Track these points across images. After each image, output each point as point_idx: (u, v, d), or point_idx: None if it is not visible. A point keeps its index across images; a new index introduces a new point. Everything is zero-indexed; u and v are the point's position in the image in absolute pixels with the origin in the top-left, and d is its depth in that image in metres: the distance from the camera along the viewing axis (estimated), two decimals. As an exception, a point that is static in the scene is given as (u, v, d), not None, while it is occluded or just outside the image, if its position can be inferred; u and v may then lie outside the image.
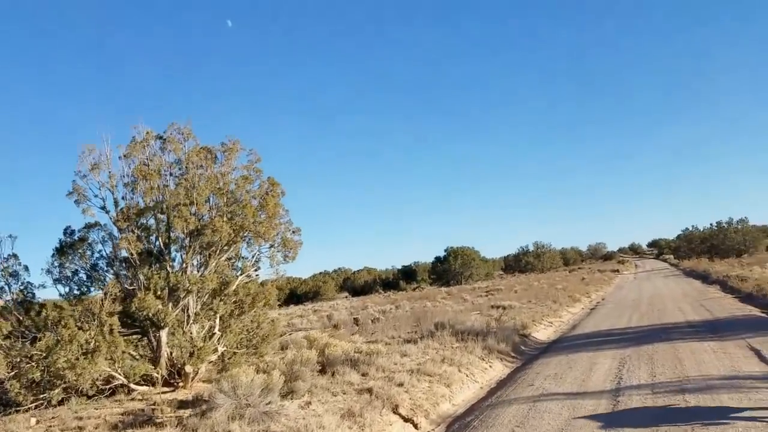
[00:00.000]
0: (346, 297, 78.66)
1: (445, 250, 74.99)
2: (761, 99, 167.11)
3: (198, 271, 10.84)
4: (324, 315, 27.56)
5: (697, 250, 69.19)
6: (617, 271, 69.72)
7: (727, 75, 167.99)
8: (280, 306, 69.98)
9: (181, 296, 10.38)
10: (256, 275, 12.10)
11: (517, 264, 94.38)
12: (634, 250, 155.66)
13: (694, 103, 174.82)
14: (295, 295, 71.70)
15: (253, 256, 11.61)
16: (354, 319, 21.55)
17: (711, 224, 70.43)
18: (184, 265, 10.63)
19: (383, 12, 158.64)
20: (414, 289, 67.76)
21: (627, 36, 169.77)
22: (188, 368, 10.60)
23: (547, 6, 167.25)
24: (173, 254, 10.75)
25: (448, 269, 72.57)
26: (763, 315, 16.90)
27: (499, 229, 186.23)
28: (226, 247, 10.48)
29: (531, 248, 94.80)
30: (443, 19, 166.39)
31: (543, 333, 18.72)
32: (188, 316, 10.91)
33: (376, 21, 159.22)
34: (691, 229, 75.16)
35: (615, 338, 14.97)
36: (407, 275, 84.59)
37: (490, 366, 13.11)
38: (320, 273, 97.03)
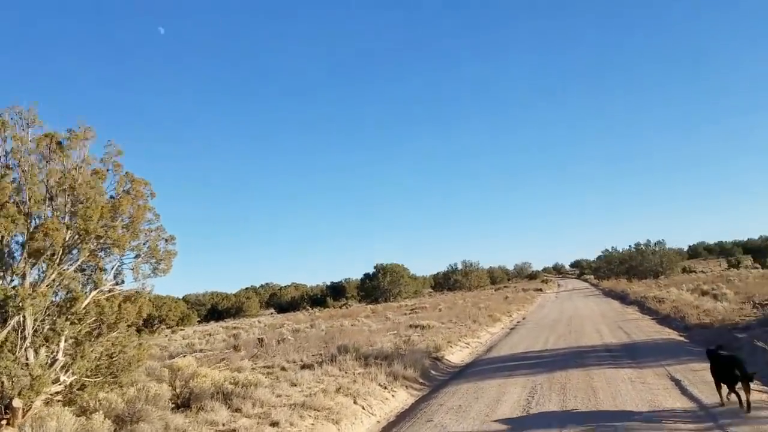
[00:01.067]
0: (271, 314, 75.87)
1: (375, 267, 73.60)
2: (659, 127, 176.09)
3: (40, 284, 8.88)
4: (233, 334, 25.46)
5: (617, 270, 70.72)
6: (540, 290, 70.34)
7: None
8: (199, 322, 66.68)
9: (11, 313, 8.39)
10: (119, 290, 10.18)
11: (446, 282, 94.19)
12: (558, 270, 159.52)
13: (603, 133, 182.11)
14: (217, 311, 68.41)
15: (112, 268, 9.73)
16: (258, 339, 19.69)
17: (630, 246, 72.29)
18: (19, 276, 8.66)
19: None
20: (341, 306, 65.96)
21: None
22: (16, 402, 8.57)
23: None
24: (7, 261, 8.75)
25: (377, 286, 71.20)
26: (681, 339, 16.27)
27: (430, 247, 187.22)
28: (70, 255, 8.59)
29: (459, 267, 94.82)
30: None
31: (458, 355, 17.49)
32: (24, 337, 8.90)
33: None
34: (610, 250, 76.91)
35: (529, 362, 13.86)
36: (336, 291, 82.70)
37: (393, 395, 11.66)
38: (246, 288, 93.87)
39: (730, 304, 21.14)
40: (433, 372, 14.44)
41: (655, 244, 69.99)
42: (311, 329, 24.91)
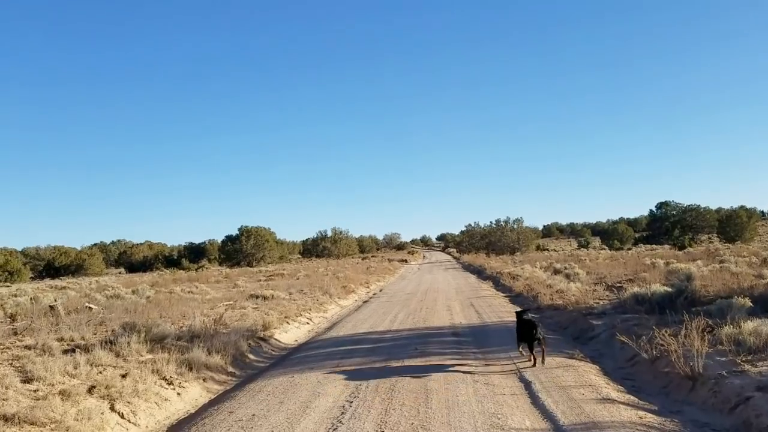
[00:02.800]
0: (119, 273, 69.24)
1: (239, 229, 69.25)
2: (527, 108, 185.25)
3: None
4: (33, 297, 20.98)
5: (477, 245, 72.14)
6: (405, 261, 70.05)
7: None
8: (33, 279, 58.91)
9: None
10: None
11: (314, 248, 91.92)
12: (425, 242, 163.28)
13: (494, 98, 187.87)
14: (53, 267, 60.81)
15: None
16: (50, 307, 15.79)
17: (491, 222, 73.97)
18: None
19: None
20: (197, 269, 61.22)
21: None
22: None
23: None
24: None
25: (239, 249, 67.10)
26: (532, 321, 14.80)
27: (302, 212, 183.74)
28: None
29: (329, 233, 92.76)
30: None
31: (293, 334, 14.87)
32: None
33: None
34: (473, 225, 78.45)
35: (366, 347, 11.52)
36: (195, 253, 77.34)
37: (180, 393, 8.74)
38: (94, 245, 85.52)
39: (583, 285, 20.37)
40: (251, 357, 11.68)
41: (514, 221, 72.11)
42: (133, 295, 21.13)
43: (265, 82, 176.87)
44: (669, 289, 13.78)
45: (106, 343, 10.42)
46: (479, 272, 40.25)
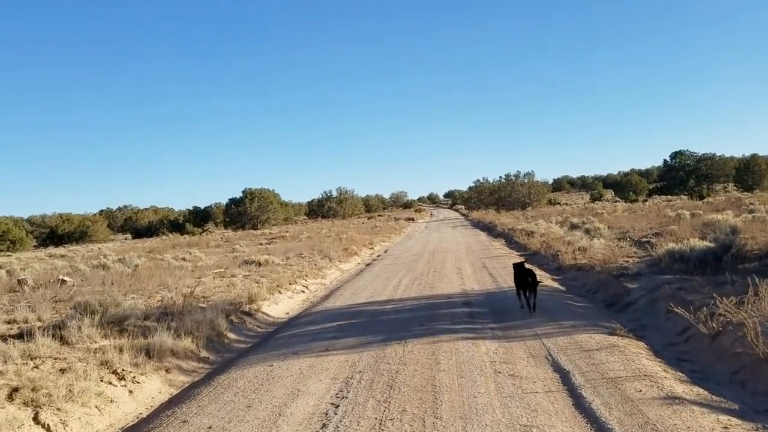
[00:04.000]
0: (125, 239, 68.11)
1: (243, 192, 67.52)
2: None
3: None
4: (7, 271, 19.47)
5: (486, 201, 70.16)
6: (412, 219, 68.37)
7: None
8: (36, 247, 57.81)
9: None
10: None
11: (320, 209, 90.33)
12: (432, 200, 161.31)
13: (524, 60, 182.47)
14: (56, 235, 59.63)
15: None
16: (18, 281, 14.21)
17: (500, 177, 71.75)
18: None
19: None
20: (201, 233, 59.91)
21: None
22: None
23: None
24: None
25: (243, 212, 65.45)
26: (557, 286, 13.03)
27: (308, 173, 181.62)
28: None
29: (335, 194, 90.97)
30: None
31: (285, 305, 13.21)
32: None
33: None
34: (482, 180, 76.25)
35: (362, 323, 9.80)
36: (200, 217, 75.94)
37: (133, 391, 7.08)
38: (100, 211, 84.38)
39: (606, 241, 18.53)
40: (231, 337, 10.02)
41: (525, 175, 69.89)
42: (119, 265, 19.54)
43: (268, 42, 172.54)
44: (710, 245, 11.91)
45: (56, 327, 8.77)
46: (489, 229, 38.45)
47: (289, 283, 15.27)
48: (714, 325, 7.05)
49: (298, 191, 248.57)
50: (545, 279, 14.13)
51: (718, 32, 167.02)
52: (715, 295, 7.76)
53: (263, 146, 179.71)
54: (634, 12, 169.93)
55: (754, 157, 60.41)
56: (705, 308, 7.92)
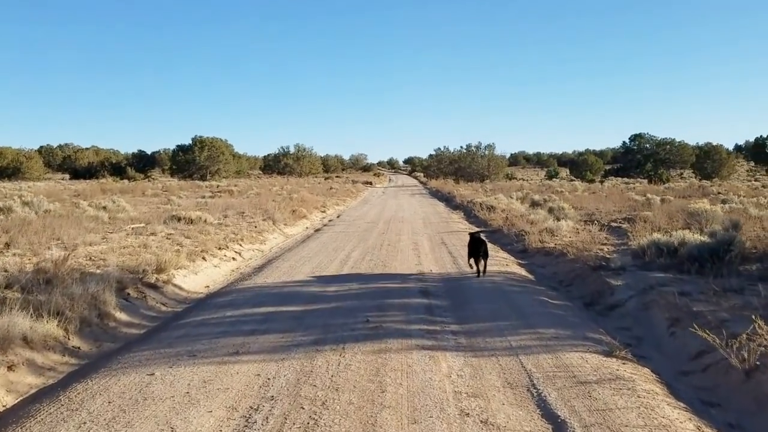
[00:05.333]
0: (62, 179, 63.66)
1: (192, 139, 63.75)
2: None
3: None
4: None
5: (446, 170, 68.51)
6: (370, 183, 66.26)
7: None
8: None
9: None
10: None
11: (276, 165, 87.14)
12: (392, 165, 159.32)
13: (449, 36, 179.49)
14: (-16, 171, 54.98)
15: None
16: None
17: (461, 147, 70.06)
18: None
19: None
20: (143, 179, 56.30)
21: None
22: None
23: None
24: None
25: (191, 160, 61.85)
26: (526, 275, 11.22)
27: (268, 127, 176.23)
28: None
29: (292, 150, 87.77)
30: None
31: (206, 276, 11.02)
32: None
33: None
34: (442, 149, 74.44)
35: (293, 312, 7.75)
36: (145, 162, 71.86)
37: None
38: (41, 147, 79.11)
39: (573, 223, 16.94)
40: (121, 318, 7.82)
41: (485, 147, 68.43)
42: (24, 208, 16.79)
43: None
44: (707, 240, 10.31)
45: None
46: (448, 200, 36.76)
47: (219, 248, 13.04)
48: (748, 355, 5.30)
49: (256, 145, 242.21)
50: (511, 264, 12.37)
51: (682, 16, 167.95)
52: (720, 302, 6.02)
53: (220, 94, 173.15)
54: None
55: (716, 146, 60.44)
56: (723, 325, 6.23)
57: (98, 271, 9.18)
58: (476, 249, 10.39)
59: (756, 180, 48.73)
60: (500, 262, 12.25)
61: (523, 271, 11.57)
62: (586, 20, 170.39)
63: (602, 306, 8.67)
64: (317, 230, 19.54)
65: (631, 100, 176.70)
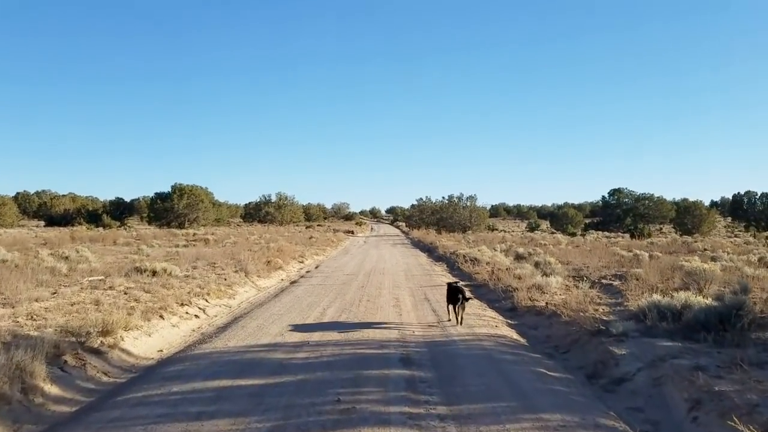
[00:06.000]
0: (38, 226, 61.74)
1: (172, 187, 62.57)
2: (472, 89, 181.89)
3: None
4: None
5: (428, 220, 67.93)
6: (352, 232, 65.35)
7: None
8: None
9: None
10: None
11: (257, 213, 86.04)
12: (374, 214, 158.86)
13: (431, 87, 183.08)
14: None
15: None
16: None
17: (443, 197, 69.78)
18: None
19: None
20: (118, 227, 54.72)
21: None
22: None
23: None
24: None
25: (170, 208, 60.49)
26: (517, 339, 10.17)
27: (249, 175, 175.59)
28: None
29: (274, 198, 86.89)
30: None
31: (161, 338, 9.79)
32: None
33: None
34: (424, 199, 74.09)
35: (252, 387, 6.59)
36: (122, 209, 70.28)
37: None
38: (17, 193, 77.28)
39: (563, 279, 16.04)
40: (51, 392, 6.58)
41: (467, 198, 68.22)
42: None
43: (210, 26, 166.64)
44: (713, 303, 9.41)
45: None
46: (430, 251, 35.83)
47: (180, 304, 11.84)
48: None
49: (237, 193, 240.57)
50: (500, 325, 11.32)
51: (655, 80, 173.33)
52: (744, 379, 5.04)
53: (202, 140, 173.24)
54: (576, 50, 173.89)
55: (695, 202, 60.81)
56: (755, 411, 5.24)
57: (35, 333, 7.96)
58: (454, 297, 10.77)
59: (735, 236, 48.70)
60: (489, 322, 11.22)
61: (514, 334, 10.52)
62: (560, 77, 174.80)
63: (607, 379, 7.63)
64: (293, 282, 18.38)
65: (608, 156, 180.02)
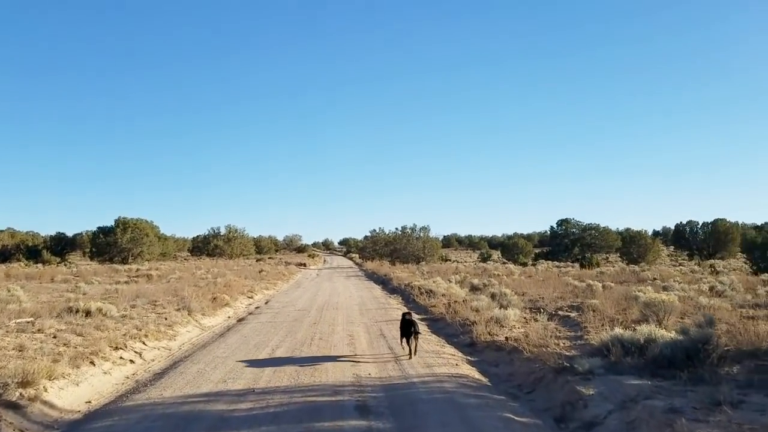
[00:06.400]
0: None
1: (115, 221, 60.05)
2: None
3: None
4: None
5: (381, 252, 67.42)
6: (304, 265, 64.10)
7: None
8: None
9: None
10: None
11: (205, 246, 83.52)
12: (327, 246, 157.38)
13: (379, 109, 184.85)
14: None
15: None
16: None
17: (396, 228, 69.54)
18: None
19: None
20: (59, 263, 51.98)
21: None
22: None
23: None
24: None
25: (113, 243, 57.92)
26: (479, 378, 9.60)
27: (198, 209, 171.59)
28: None
29: (223, 231, 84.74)
30: None
31: (90, 387, 8.76)
32: None
33: None
34: (377, 231, 73.67)
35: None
36: (64, 245, 66.99)
37: None
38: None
39: (520, 312, 15.67)
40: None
41: (420, 229, 68.17)
42: None
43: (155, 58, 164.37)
44: (677, 337, 9.14)
45: None
46: (384, 283, 35.22)
47: (115, 348, 10.79)
48: None
49: (187, 226, 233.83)
50: (460, 363, 10.75)
51: (599, 104, 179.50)
52: (722, 422, 4.60)
53: (147, 176, 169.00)
54: (524, 80, 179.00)
55: (640, 232, 62.52)
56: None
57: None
58: (407, 330, 10.85)
59: (680, 264, 50.12)
60: (448, 360, 10.64)
61: (475, 373, 9.95)
62: (507, 105, 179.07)
63: (577, 423, 7.12)
64: (240, 320, 17.39)
65: (556, 186, 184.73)
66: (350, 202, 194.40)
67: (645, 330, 9.82)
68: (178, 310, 16.26)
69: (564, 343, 11.37)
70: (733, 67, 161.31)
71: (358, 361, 10.32)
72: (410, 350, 10.72)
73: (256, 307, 21.15)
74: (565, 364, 9.17)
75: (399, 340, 11.38)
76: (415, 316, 11.60)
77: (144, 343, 12.08)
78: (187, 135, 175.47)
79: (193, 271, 37.23)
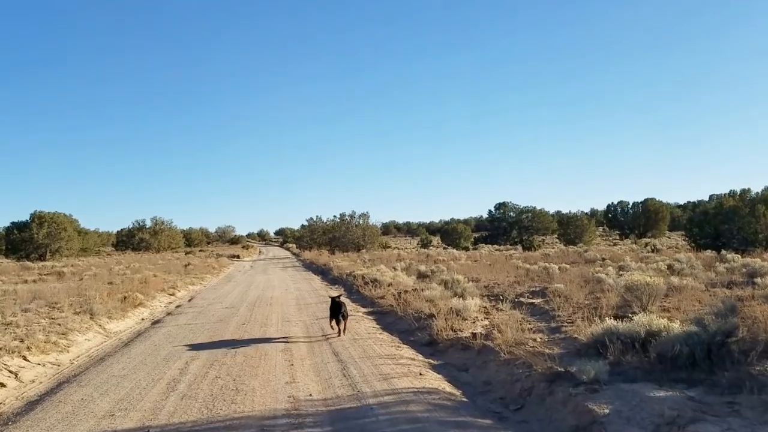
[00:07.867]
0: None
1: (30, 215, 54.50)
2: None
3: None
4: None
5: (319, 241, 64.75)
6: (237, 256, 60.71)
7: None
8: None
9: None
10: None
11: (130, 240, 78.03)
12: (262, 237, 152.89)
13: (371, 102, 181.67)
14: None
15: None
16: None
17: (334, 216, 67.01)
18: None
19: None
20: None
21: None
22: None
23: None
24: None
25: (29, 239, 52.49)
26: (446, 389, 7.56)
27: (123, 201, 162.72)
28: None
29: (149, 224, 79.45)
30: None
31: None
32: None
33: None
34: (315, 219, 70.87)
35: None
36: (-32, 242, 60.40)
37: None
38: None
39: (480, 301, 13.80)
40: None
41: (360, 216, 65.90)
42: None
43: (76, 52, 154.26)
44: (693, 329, 7.39)
45: None
46: (324, 273, 32.88)
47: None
48: None
49: (111, 220, 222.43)
50: (423, 370, 8.66)
51: (545, 88, 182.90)
52: None
53: (71, 168, 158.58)
54: (463, 69, 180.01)
55: (576, 213, 62.87)
56: None
57: None
58: (336, 311, 11.27)
59: (615, 243, 50.39)
60: (409, 368, 8.52)
61: (444, 384, 7.87)
62: (440, 107, 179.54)
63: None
64: (156, 323, 14.71)
65: (494, 170, 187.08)
66: (286, 191, 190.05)
67: (643, 320, 8.08)
68: (78, 313, 13.42)
69: (541, 338, 9.54)
70: (660, 53, 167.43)
71: (296, 379, 8.06)
72: (339, 330, 11.28)
73: (177, 306, 18.41)
74: (558, 368, 7.26)
75: (329, 324, 11.68)
76: (350, 306, 9.97)
77: (26, 359, 9.41)
78: (110, 126, 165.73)
79: (111, 266, 33.59)
